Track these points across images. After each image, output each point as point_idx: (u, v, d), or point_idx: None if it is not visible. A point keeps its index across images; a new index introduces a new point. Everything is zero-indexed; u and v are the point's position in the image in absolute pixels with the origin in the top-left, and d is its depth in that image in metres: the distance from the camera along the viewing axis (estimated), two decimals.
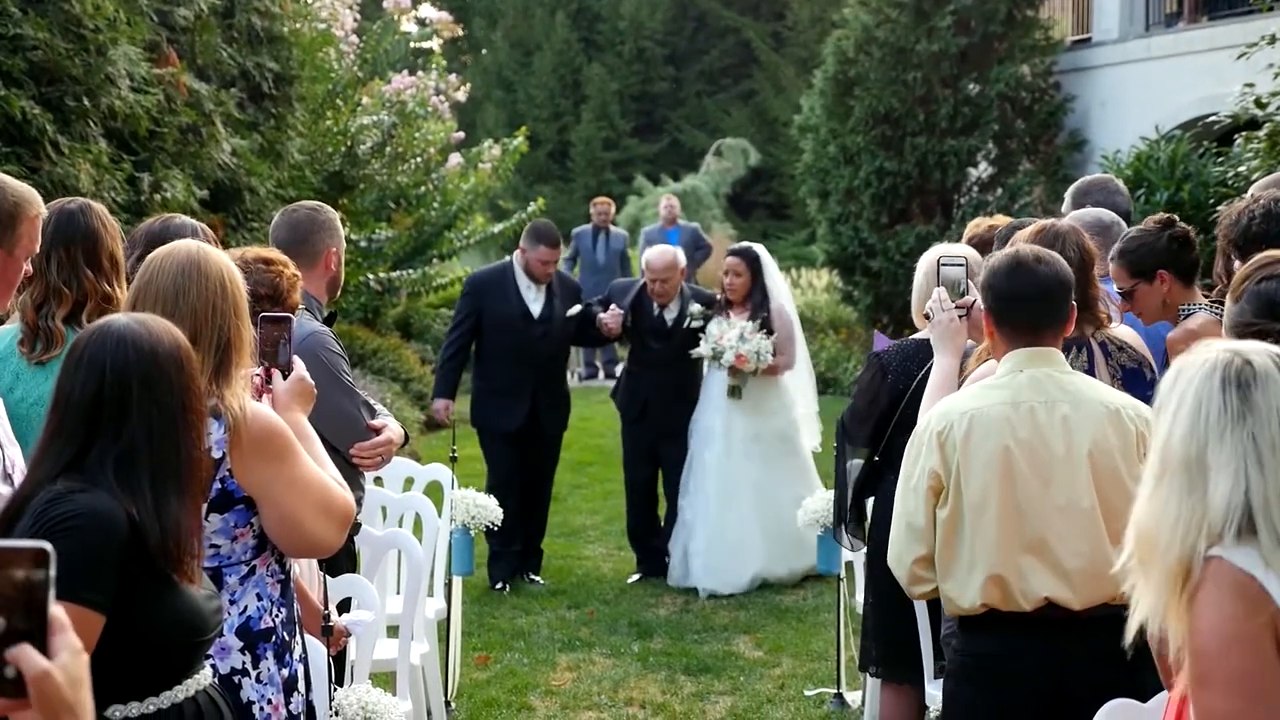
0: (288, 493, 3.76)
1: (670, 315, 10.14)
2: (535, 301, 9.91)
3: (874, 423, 6.02)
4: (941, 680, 4.58)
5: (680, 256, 10.25)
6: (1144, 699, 3.87)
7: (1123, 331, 5.06)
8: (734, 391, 9.87)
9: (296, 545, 3.90)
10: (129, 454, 3.13)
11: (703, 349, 9.84)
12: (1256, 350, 2.82)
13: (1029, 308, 4.31)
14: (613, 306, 10.07)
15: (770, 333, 9.74)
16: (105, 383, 3.14)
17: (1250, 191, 6.01)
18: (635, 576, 10.30)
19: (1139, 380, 4.88)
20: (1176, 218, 5.75)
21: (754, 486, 9.95)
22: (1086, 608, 4.16)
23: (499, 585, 9.90)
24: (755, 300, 9.86)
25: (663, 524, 10.42)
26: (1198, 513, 2.73)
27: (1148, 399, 4.75)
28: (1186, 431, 2.75)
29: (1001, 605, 4.19)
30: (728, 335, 9.72)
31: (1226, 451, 2.73)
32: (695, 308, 10.02)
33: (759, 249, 10.08)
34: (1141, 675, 3.89)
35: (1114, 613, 4.18)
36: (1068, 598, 4.16)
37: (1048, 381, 4.27)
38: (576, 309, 10.03)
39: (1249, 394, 2.75)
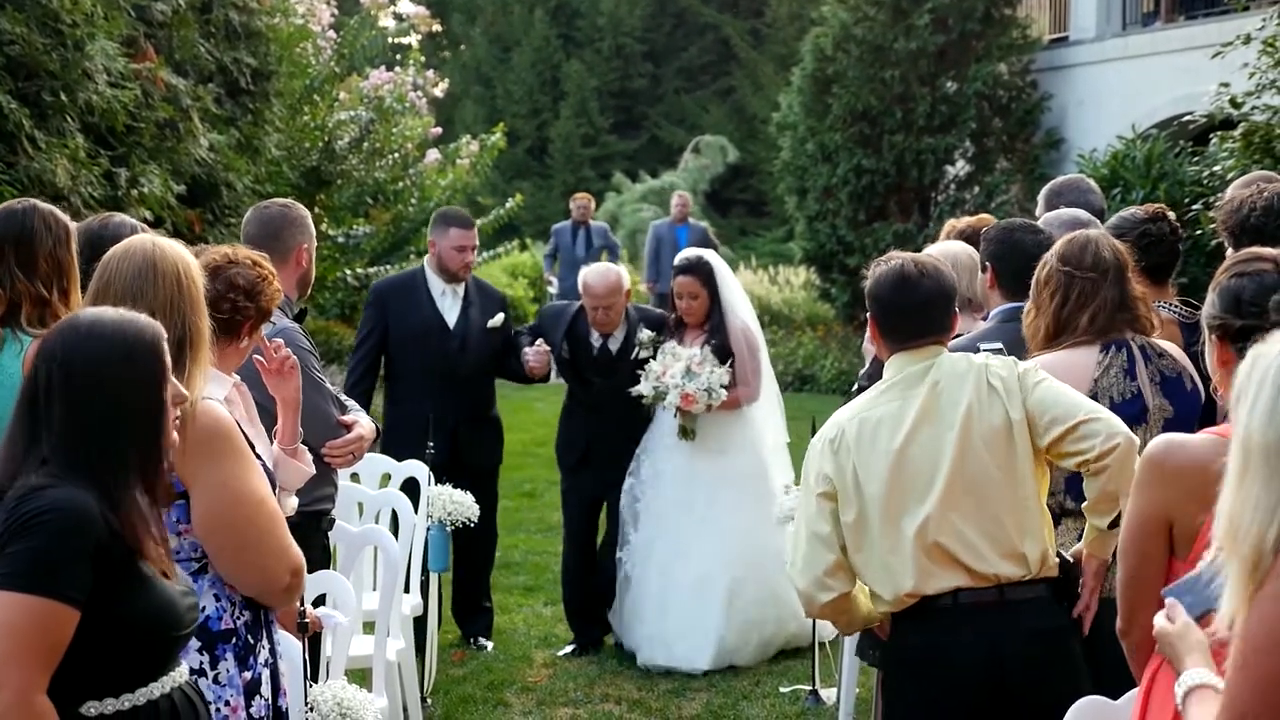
0: (217, 489, 3.74)
1: (615, 344, 8.48)
2: (451, 310, 8.38)
3: None
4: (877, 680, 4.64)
5: (624, 277, 8.53)
6: (1081, 678, 3.93)
7: (1163, 342, 5.05)
8: (684, 433, 8.25)
9: (221, 550, 3.82)
10: (76, 441, 3.14)
11: (643, 387, 8.16)
12: None
13: (911, 320, 4.42)
14: (539, 341, 8.42)
15: (725, 359, 8.15)
16: (53, 373, 3.17)
17: (1230, 189, 6.01)
18: (569, 649, 8.60)
19: (1179, 388, 4.90)
20: (1165, 212, 5.70)
21: (719, 540, 8.28)
22: (1010, 580, 4.23)
23: None
24: (713, 321, 8.24)
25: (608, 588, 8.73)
26: (1274, 501, 2.66)
27: (1189, 408, 4.79)
28: (1265, 420, 2.68)
29: (930, 589, 4.24)
30: (671, 370, 8.08)
31: None
32: (644, 334, 8.35)
33: (711, 258, 8.44)
34: (1076, 653, 3.95)
35: (1040, 594, 4.24)
36: (984, 567, 4.22)
37: (926, 372, 4.37)
38: (499, 318, 8.43)
39: None
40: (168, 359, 3.27)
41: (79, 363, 3.17)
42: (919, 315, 4.41)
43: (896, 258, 4.52)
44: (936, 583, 4.23)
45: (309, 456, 4.84)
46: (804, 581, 4.39)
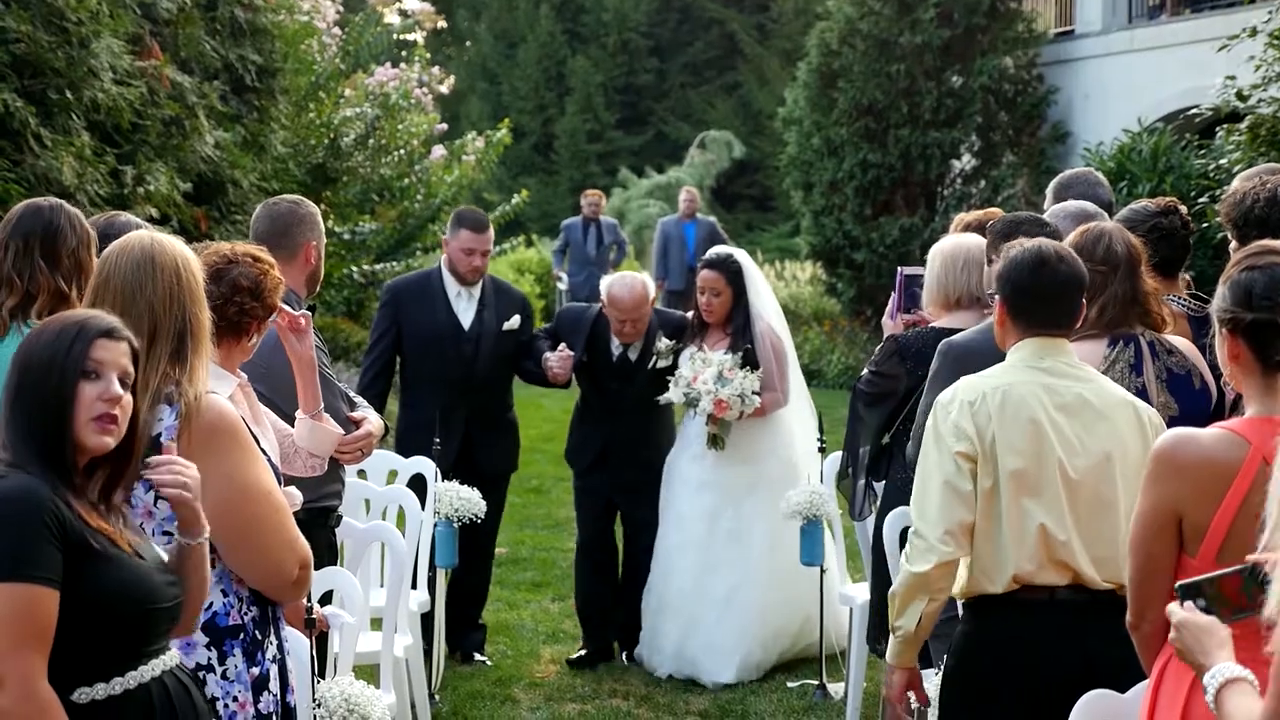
0: (223, 481, 3.72)
1: (634, 352, 8.21)
2: (466, 312, 8.11)
3: (887, 404, 6.03)
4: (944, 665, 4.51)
5: (650, 288, 8.20)
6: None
7: (1175, 339, 5.03)
8: (715, 442, 7.95)
9: (228, 543, 3.81)
10: (17, 427, 3.20)
11: (673, 394, 7.94)
12: None
13: (1049, 306, 4.33)
14: (561, 346, 8.13)
15: (755, 366, 7.88)
16: (13, 366, 3.27)
17: (1235, 181, 5.99)
18: (580, 654, 8.34)
19: (1186, 386, 4.86)
20: (1176, 205, 5.66)
21: (746, 550, 8.02)
22: (1104, 590, 4.18)
23: None
24: (737, 323, 7.98)
25: (621, 594, 8.49)
26: None
27: (1196, 407, 4.75)
28: None
29: (1037, 580, 4.17)
30: (703, 376, 7.80)
31: None
32: (662, 343, 8.10)
33: (741, 257, 8.14)
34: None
35: (1123, 603, 4.21)
36: (1091, 575, 4.17)
37: (1069, 369, 4.31)
38: (515, 320, 8.18)
39: None
40: (103, 354, 3.25)
41: (21, 350, 3.25)
42: (1054, 301, 4.32)
43: (1032, 240, 4.44)
44: (1045, 576, 4.16)
45: (332, 420, 4.85)
46: (936, 532, 4.20)
